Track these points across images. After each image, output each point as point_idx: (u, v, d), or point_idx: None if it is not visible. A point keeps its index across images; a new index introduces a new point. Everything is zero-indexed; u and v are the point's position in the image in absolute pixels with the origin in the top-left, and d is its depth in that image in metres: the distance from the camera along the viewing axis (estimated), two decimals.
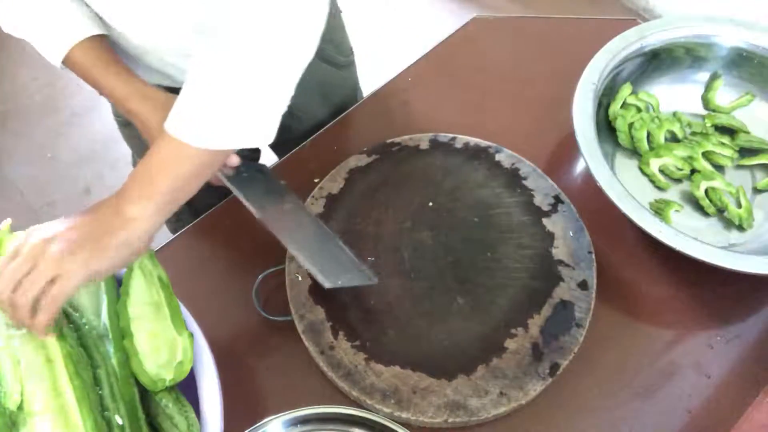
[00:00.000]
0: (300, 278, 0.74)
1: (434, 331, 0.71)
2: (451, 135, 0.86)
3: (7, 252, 0.53)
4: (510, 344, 0.69)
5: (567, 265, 0.75)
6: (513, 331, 0.70)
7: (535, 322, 0.71)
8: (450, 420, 0.65)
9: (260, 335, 0.74)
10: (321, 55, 0.89)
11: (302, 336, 0.70)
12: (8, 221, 0.59)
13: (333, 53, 0.91)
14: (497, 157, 0.84)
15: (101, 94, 0.69)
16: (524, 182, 0.82)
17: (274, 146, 0.97)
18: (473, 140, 0.85)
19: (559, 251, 0.76)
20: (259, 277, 0.74)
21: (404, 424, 0.66)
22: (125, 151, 0.94)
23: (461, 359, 0.69)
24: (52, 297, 0.50)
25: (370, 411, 0.64)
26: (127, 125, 0.89)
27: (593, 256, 0.75)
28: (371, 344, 0.70)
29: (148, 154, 0.56)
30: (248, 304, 0.74)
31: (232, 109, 0.55)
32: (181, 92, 0.55)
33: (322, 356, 0.68)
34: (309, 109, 0.93)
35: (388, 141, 0.86)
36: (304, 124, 0.94)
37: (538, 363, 0.68)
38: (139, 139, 0.88)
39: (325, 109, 0.96)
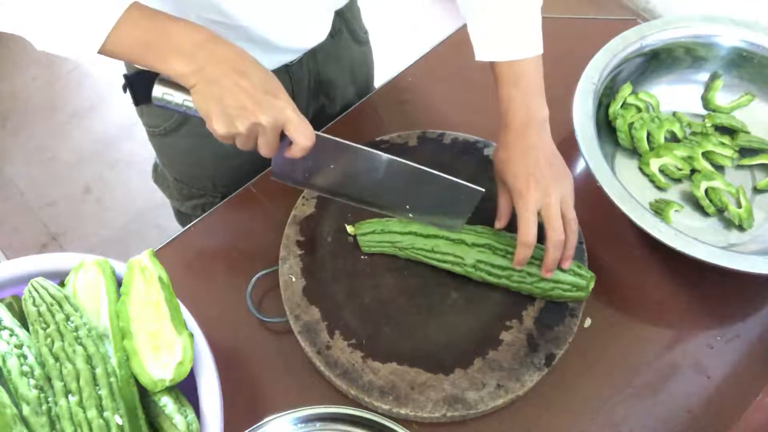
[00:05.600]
0: (294, 279, 0.74)
1: (430, 327, 0.71)
2: (440, 131, 0.86)
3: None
4: (505, 336, 0.70)
5: None
6: (508, 323, 0.71)
7: (529, 314, 0.71)
8: (449, 414, 0.65)
9: (257, 335, 0.74)
10: (350, 32, 0.91)
11: (298, 337, 0.70)
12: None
13: (357, 29, 0.93)
14: (486, 151, 0.84)
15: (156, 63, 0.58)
16: None
17: None
18: (462, 135, 0.86)
19: None
20: (252, 279, 0.74)
21: (403, 420, 0.66)
22: (125, 151, 0.95)
23: (458, 353, 0.69)
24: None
25: (369, 409, 0.64)
26: (165, 135, 0.87)
27: (584, 246, 0.76)
28: (367, 342, 0.70)
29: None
30: (244, 305, 0.74)
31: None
32: None
33: (319, 356, 0.69)
34: (342, 90, 0.95)
35: (377, 138, 0.86)
36: (335, 105, 0.96)
37: (533, 354, 0.68)
38: (173, 148, 0.90)
39: (352, 87, 0.98)
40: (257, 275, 0.74)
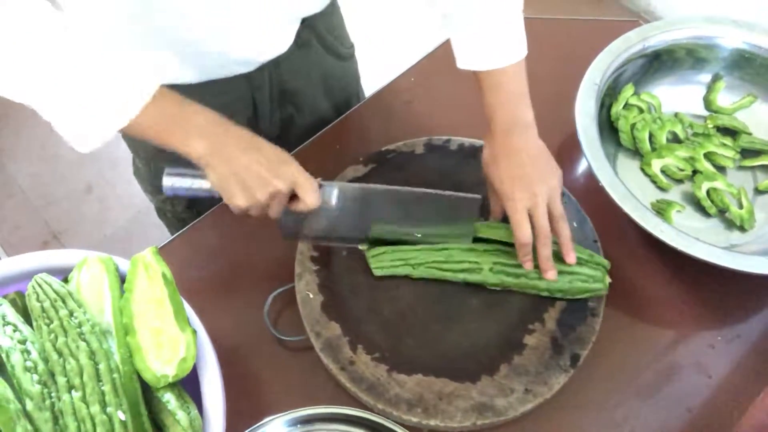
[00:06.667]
0: (311, 295, 0.72)
1: (452, 335, 0.70)
2: (446, 137, 0.86)
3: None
4: (529, 340, 0.70)
5: None
6: (530, 326, 0.71)
7: (551, 316, 0.71)
8: (479, 422, 0.65)
9: (257, 335, 0.73)
10: (324, 45, 0.89)
11: (320, 354, 0.69)
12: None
13: (335, 43, 0.90)
14: None
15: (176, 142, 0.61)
16: None
17: (276, 142, 0.97)
18: (468, 140, 0.85)
19: None
20: (269, 298, 0.73)
21: (433, 431, 0.65)
22: (127, 150, 0.94)
23: (483, 360, 0.68)
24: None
25: (397, 422, 0.62)
26: None
27: (599, 244, 0.75)
28: (391, 354, 0.69)
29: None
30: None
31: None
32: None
33: (343, 372, 0.67)
34: (312, 102, 0.93)
35: (383, 149, 0.85)
36: (306, 118, 0.94)
37: (559, 356, 0.68)
38: (139, 141, 0.88)
39: (327, 103, 0.95)
40: (273, 294, 0.73)
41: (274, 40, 0.79)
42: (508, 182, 0.68)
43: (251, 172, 0.61)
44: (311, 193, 0.64)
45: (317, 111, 0.95)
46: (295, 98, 0.90)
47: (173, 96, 0.61)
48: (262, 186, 0.61)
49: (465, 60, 0.71)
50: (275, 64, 0.83)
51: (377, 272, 0.73)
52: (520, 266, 0.70)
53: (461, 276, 0.72)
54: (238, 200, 0.62)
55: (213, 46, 0.72)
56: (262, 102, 0.87)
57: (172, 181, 0.65)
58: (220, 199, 0.80)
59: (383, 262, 0.73)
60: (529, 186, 0.67)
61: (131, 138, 0.91)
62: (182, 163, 0.64)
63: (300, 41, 0.83)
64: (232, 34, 0.72)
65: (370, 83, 1.10)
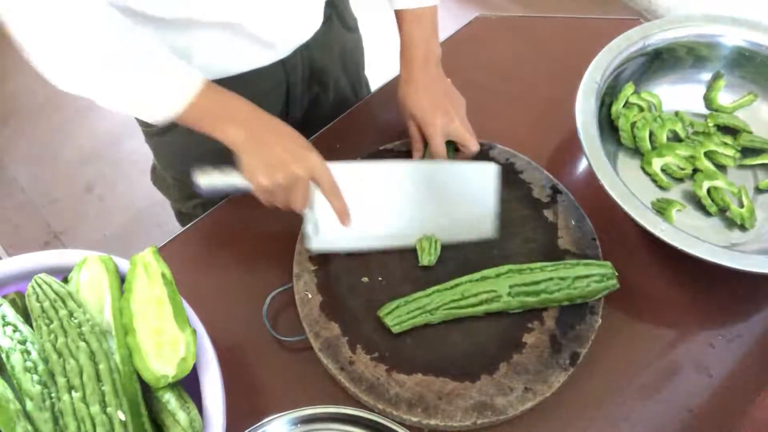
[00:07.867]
0: (310, 296, 0.72)
1: (452, 334, 0.70)
2: None
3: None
4: (528, 339, 0.70)
5: (574, 254, 0.75)
6: (529, 325, 0.71)
7: (550, 314, 0.71)
8: (479, 422, 0.65)
9: (257, 335, 0.73)
10: (339, 19, 0.92)
11: (319, 354, 0.69)
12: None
13: (345, 15, 0.94)
14: (491, 153, 0.84)
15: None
16: (521, 176, 0.83)
17: (303, 122, 0.97)
18: None
19: (563, 241, 0.76)
20: (268, 299, 0.73)
21: (433, 431, 0.65)
22: (128, 149, 0.94)
23: (482, 359, 0.68)
24: None
25: (397, 422, 0.62)
26: (161, 134, 0.88)
27: (597, 242, 0.76)
28: (390, 354, 0.69)
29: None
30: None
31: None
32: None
33: (343, 372, 0.67)
34: (335, 78, 0.96)
35: (381, 147, 0.85)
36: (330, 97, 0.97)
37: (558, 354, 0.68)
38: (170, 146, 0.92)
39: (345, 78, 0.99)
40: (271, 294, 0.73)
41: (307, 20, 0.83)
42: (429, 110, 0.78)
43: (275, 154, 0.67)
44: (327, 180, 0.70)
45: (338, 87, 0.98)
46: (322, 77, 0.94)
47: (216, 88, 0.68)
48: (283, 167, 0.67)
49: (399, 2, 0.81)
50: (305, 44, 0.86)
51: (396, 329, 0.69)
52: (537, 283, 0.69)
53: (482, 309, 0.70)
54: (261, 179, 0.67)
55: (257, 28, 0.76)
56: (294, 85, 0.90)
57: (206, 179, 0.70)
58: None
59: (400, 317, 0.70)
60: (447, 113, 0.78)
61: (156, 145, 0.93)
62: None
63: (324, 18, 0.86)
64: (273, 16, 0.76)
65: (371, 82, 1.10)
